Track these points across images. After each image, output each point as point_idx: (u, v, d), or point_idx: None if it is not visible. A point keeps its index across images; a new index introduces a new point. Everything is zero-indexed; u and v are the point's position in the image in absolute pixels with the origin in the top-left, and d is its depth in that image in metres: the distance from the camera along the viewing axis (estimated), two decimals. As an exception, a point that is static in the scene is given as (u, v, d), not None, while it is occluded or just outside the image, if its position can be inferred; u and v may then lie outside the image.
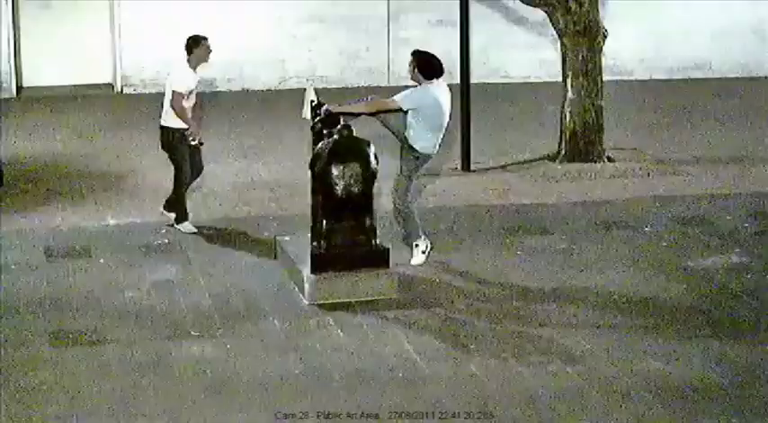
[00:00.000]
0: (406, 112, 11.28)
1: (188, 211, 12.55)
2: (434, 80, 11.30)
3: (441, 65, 11.35)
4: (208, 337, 9.79)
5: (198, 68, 12.24)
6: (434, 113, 11.29)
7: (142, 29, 19.50)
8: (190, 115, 12.17)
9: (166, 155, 12.39)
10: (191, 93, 12.16)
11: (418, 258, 11.48)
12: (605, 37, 15.54)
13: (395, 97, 11.32)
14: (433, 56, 11.36)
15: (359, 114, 11.36)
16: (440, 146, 11.53)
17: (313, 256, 10.70)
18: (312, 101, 11.36)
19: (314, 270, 10.64)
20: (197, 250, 11.97)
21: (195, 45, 12.14)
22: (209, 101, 19.00)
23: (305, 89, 11.84)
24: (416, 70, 11.34)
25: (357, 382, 8.97)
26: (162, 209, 12.63)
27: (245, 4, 19.66)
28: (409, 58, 11.49)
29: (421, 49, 11.60)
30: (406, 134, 11.31)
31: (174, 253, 11.90)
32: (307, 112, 11.37)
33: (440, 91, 11.35)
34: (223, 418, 8.42)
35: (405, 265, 11.33)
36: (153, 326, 10.02)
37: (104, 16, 19.73)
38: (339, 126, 10.84)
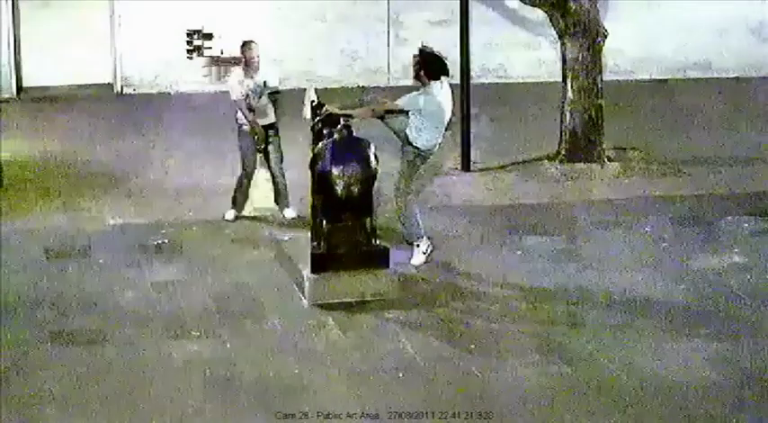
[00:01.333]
0: (407, 113, 11.28)
1: (239, 201, 12.91)
2: (438, 80, 11.29)
3: (445, 65, 11.35)
4: (208, 337, 9.79)
5: (250, 71, 12.68)
6: (436, 114, 11.30)
7: (142, 29, 19.50)
8: (248, 114, 12.64)
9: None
10: (246, 96, 12.63)
11: (418, 258, 11.47)
12: (605, 37, 15.53)
13: (397, 101, 11.31)
14: (437, 55, 11.35)
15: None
16: (440, 144, 11.52)
17: (313, 256, 10.69)
18: (312, 101, 11.37)
19: (314, 270, 10.64)
20: (197, 250, 11.97)
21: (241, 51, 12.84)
22: (208, 101, 19.02)
23: (305, 89, 11.86)
24: (421, 69, 11.32)
25: (357, 382, 8.97)
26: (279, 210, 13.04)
27: (244, 4, 19.65)
28: (413, 56, 11.47)
29: (425, 46, 11.57)
30: (407, 132, 11.31)
31: (174, 253, 11.90)
32: (307, 112, 11.40)
33: (443, 91, 11.35)
34: (223, 418, 8.42)
35: (405, 264, 11.33)
36: (153, 326, 10.01)
37: (104, 16, 19.72)
38: (339, 126, 10.84)
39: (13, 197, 13.69)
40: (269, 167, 12.91)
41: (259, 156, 12.88)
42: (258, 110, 12.69)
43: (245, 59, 12.66)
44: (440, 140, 11.46)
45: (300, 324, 10.10)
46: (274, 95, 12.76)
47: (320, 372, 9.15)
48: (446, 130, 11.53)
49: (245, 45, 12.71)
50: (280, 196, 12.98)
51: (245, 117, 12.67)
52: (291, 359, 9.36)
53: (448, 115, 11.45)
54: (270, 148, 12.83)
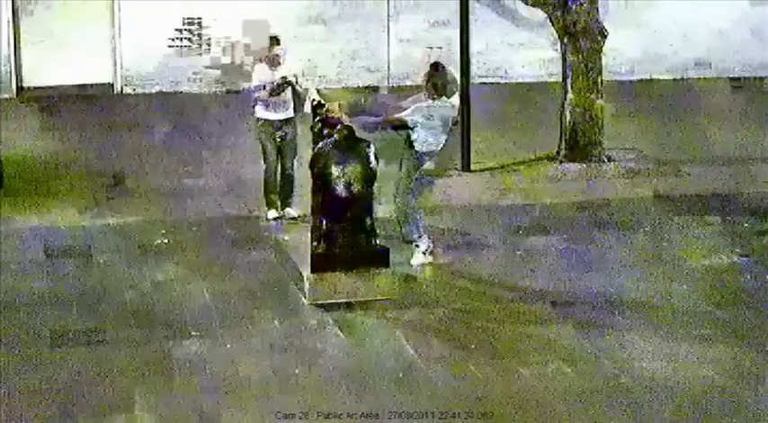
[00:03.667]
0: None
1: (275, 200, 12.90)
2: (444, 97, 11.39)
3: (446, 88, 11.42)
4: (208, 337, 9.79)
5: (274, 66, 12.92)
6: (438, 126, 11.36)
7: (142, 29, 19.49)
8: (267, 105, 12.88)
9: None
10: (264, 86, 12.81)
11: (418, 258, 11.47)
12: (605, 37, 15.54)
13: (403, 117, 11.30)
14: (446, 79, 11.44)
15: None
16: (442, 146, 11.54)
17: (313, 256, 10.70)
18: (313, 100, 11.45)
19: (314, 270, 10.64)
20: (197, 250, 11.97)
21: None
22: (208, 101, 19.02)
23: (306, 89, 11.97)
24: (431, 86, 11.35)
25: (357, 382, 8.97)
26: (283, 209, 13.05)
27: (244, 5, 19.64)
28: (429, 65, 11.56)
29: (442, 63, 11.63)
30: (410, 133, 11.31)
31: (174, 253, 11.90)
32: (307, 107, 11.50)
33: (446, 106, 11.44)
34: (223, 418, 8.42)
35: (405, 264, 11.33)
36: (153, 326, 10.01)
37: (104, 16, 19.72)
38: (339, 126, 10.84)
39: (14, 197, 13.69)
40: (281, 161, 12.93)
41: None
42: (276, 103, 12.80)
43: (269, 55, 12.87)
44: (441, 144, 11.48)
45: (300, 324, 10.10)
46: (286, 85, 12.82)
47: (320, 372, 9.15)
48: (447, 136, 11.55)
49: (271, 40, 12.93)
50: (285, 193, 12.98)
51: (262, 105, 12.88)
52: (291, 359, 9.36)
53: (450, 126, 11.52)
54: (285, 141, 12.87)
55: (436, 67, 11.52)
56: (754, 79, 20.80)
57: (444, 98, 11.45)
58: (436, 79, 11.42)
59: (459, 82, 11.89)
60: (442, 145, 11.54)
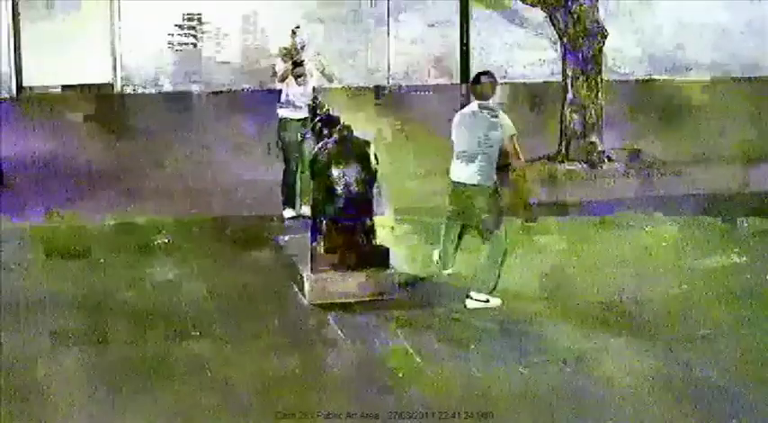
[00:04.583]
0: None
1: (292, 199, 12.87)
2: (477, 101, 10.44)
3: (481, 88, 10.37)
4: (208, 337, 9.79)
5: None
6: (455, 134, 10.56)
7: (142, 29, 19.52)
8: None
9: None
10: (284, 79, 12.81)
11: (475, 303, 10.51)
12: (605, 37, 15.55)
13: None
14: (477, 77, 10.50)
15: None
16: (466, 181, 10.50)
17: (313, 256, 10.70)
18: (314, 99, 11.50)
19: (314, 270, 10.64)
20: (197, 250, 11.98)
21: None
22: (208, 101, 19.05)
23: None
24: (470, 86, 10.73)
25: (357, 382, 8.97)
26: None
27: (244, 5, 19.67)
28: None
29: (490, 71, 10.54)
30: None
31: (174, 253, 11.90)
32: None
33: (471, 113, 10.46)
34: (223, 418, 8.42)
35: (405, 265, 11.32)
36: (153, 326, 10.01)
37: (104, 16, 19.74)
38: (339, 126, 10.85)
39: (14, 197, 13.69)
40: (301, 161, 12.82)
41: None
42: (294, 103, 12.77)
43: (288, 46, 12.85)
44: (461, 174, 10.50)
45: (300, 324, 10.11)
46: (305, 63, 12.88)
47: (320, 371, 9.15)
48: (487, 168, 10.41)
49: (292, 33, 12.92)
50: (304, 191, 12.86)
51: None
52: (291, 359, 9.36)
53: (468, 142, 10.40)
54: (305, 140, 12.73)
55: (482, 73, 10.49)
56: (755, 79, 20.84)
57: (476, 102, 10.39)
58: (477, 79, 10.48)
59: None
60: (462, 176, 10.50)
